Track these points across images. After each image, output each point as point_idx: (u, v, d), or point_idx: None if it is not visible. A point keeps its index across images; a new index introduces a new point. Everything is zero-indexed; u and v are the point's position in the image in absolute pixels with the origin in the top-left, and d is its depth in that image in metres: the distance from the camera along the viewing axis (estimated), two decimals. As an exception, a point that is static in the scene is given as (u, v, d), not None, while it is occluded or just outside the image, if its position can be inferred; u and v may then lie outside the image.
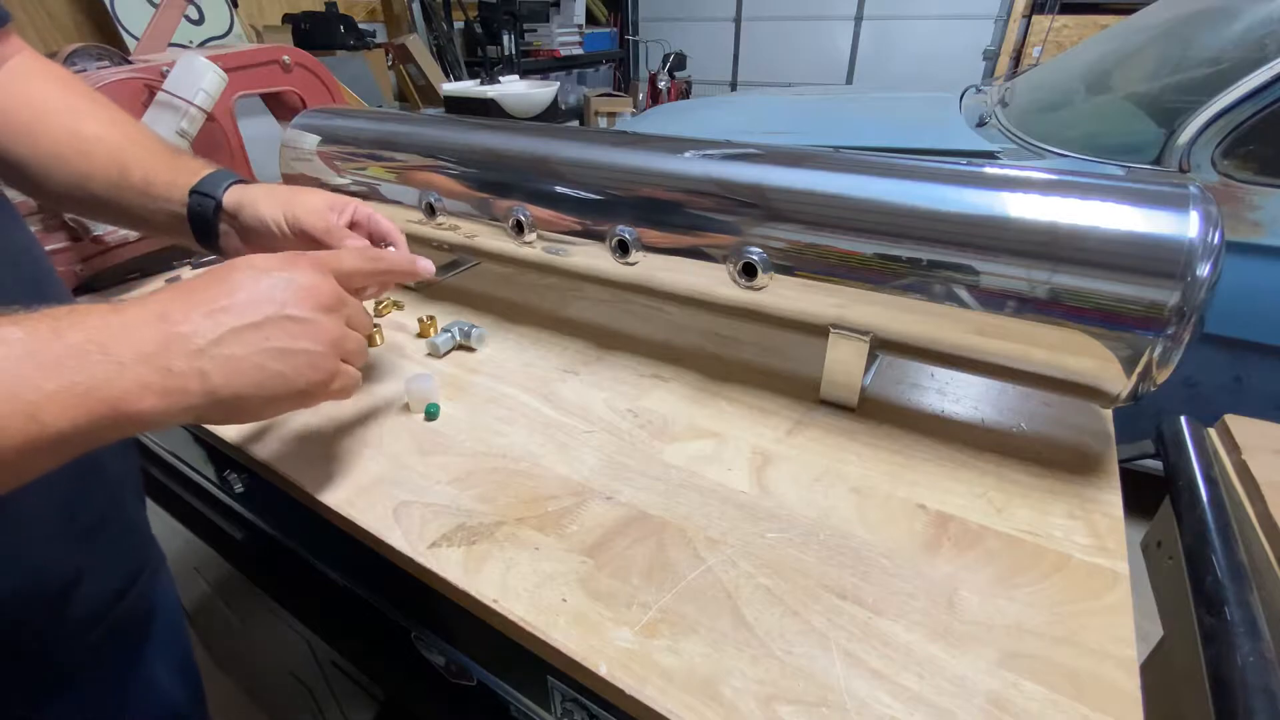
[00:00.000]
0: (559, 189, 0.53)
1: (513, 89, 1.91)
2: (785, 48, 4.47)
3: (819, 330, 0.47)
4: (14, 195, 0.47)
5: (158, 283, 0.75)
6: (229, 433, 0.48)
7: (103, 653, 0.42)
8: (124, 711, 0.44)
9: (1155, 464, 0.50)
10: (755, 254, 0.46)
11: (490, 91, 1.84)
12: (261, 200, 0.47)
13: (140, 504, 0.48)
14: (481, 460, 0.45)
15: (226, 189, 0.47)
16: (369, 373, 0.56)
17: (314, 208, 0.47)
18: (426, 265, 0.45)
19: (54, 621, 0.38)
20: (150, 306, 0.30)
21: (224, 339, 0.30)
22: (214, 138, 0.82)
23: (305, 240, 0.47)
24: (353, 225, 0.49)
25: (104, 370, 0.26)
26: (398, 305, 0.67)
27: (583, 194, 0.52)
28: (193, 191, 0.46)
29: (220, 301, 0.31)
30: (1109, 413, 0.49)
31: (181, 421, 0.30)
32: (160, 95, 0.74)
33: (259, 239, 0.47)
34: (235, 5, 2.50)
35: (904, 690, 0.30)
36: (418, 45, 3.25)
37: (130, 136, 0.48)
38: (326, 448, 0.46)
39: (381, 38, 3.45)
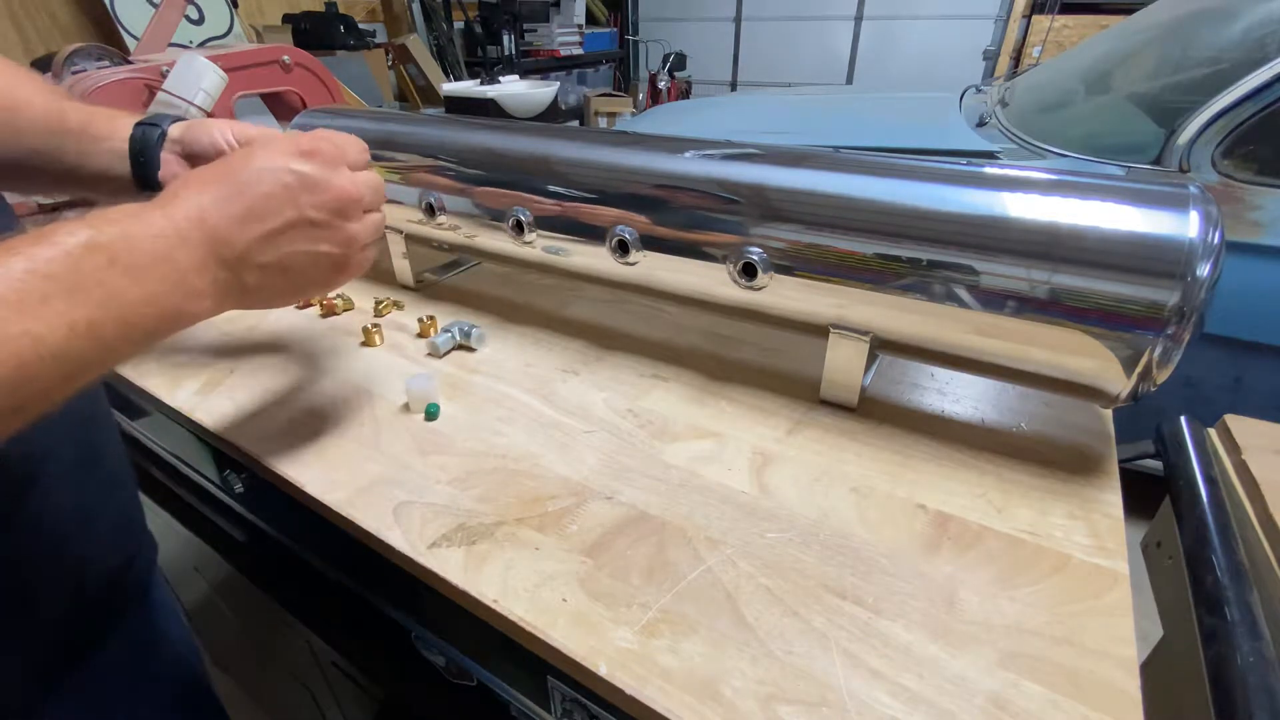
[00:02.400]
0: (559, 189, 0.53)
1: (513, 89, 1.90)
2: (785, 48, 4.47)
3: (819, 330, 0.47)
4: (11, 197, 0.47)
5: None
6: (229, 432, 0.48)
7: (113, 625, 0.43)
8: (137, 680, 0.46)
9: (1155, 464, 0.50)
10: (755, 254, 0.46)
11: (490, 91, 1.84)
12: (210, 124, 0.50)
13: (135, 489, 0.49)
14: (481, 460, 0.45)
15: (171, 122, 0.50)
16: (369, 373, 0.56)
17: (256, 128, 0.51)
18: None
19: (72, 595, 0.40)
20: (189, 206, 0.32)
21: (254, 246, 0.33)
22: (214, 138, 0.82)
23: None
24: None
25: (170, 282, 0.30)
26: (398, 305, 0.67)
27: (582, 194, 0.52)
28: (139, 124, 0.49)
29: (246, 201, 0.33)
30: (1109, 413, 0.49)
31: (217, 314, 0.34)
32: (160, 95, 0.74)
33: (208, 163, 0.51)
34: (235, 5, 2.50)
35: (904, 690, 0.30)
36: (418, 45, 3.25)
37: (66, 98, 0.49)
38: (326, 448, 0.46)
39: (381, 38, 3.44)
